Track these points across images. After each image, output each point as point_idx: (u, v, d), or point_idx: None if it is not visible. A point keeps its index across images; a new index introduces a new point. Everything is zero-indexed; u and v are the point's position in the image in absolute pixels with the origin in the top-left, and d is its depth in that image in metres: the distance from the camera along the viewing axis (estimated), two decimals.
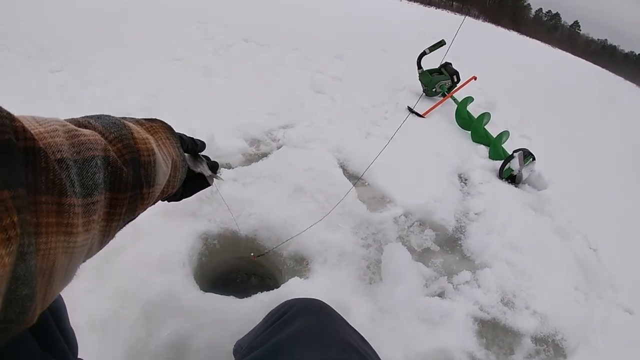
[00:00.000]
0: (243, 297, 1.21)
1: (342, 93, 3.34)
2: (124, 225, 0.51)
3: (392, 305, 1.41)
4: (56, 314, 0.59)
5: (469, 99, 3.30)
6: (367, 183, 2.17)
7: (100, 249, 0.47)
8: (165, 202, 0.72)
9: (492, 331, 1.54)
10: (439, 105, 3.39)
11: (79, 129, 0.41)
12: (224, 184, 1.75)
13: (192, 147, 0.74)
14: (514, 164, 2.54)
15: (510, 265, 1.82)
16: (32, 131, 0.32)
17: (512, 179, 2.59)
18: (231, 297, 1.19)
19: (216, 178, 0.82)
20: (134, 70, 2.84)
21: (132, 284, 1.13)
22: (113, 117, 0.50)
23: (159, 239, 1.32)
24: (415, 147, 2.68)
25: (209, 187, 0.82)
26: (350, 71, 4.00)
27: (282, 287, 1.26)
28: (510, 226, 2.04)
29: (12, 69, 2.53)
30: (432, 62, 3.64)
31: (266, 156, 2.19)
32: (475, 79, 3.48)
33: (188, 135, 0.74)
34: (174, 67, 3.13)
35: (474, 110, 3.42)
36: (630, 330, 1.72)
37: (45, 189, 0.31)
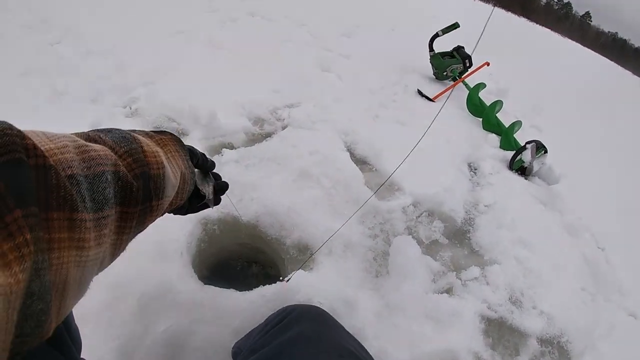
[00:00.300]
0: (244, 290, 1.13)
1: (350, 72, 3.20)
2: (134, 237, 0.51)
3: (399, 301, 1.34)
4: None
5: (480, 85, 3.17)
6: (374, 169, 2.08)
7: (112, 261, 0.48)
8: (171, 214, 0.73)
9: (499, 331, 1.48)
10: (450, 90, 3.26)
11: (89, 144, 0.41)
12: (227, 164, 1.66)
13: (203, 163, 0.74)
14: (526, 156, 2.45)
15: (519, 262, 1.76)
16: (42, 147, 0.33)
17: (522, 170, 2.51)
18: (231, 290, 1.11)
19: (213, 204, 0.79)
20: (135, 43, 2.68)
21: (127, 274, 1.05)
22: (123, 130, 0.51)
23: (156, 224, 1.23)
24: (426, 132, 2.57)
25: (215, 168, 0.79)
26: (358, 50, 3.85)
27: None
28: (520, 221, 1.96)
29: (11, 40, 2.38)
30: (444, 45, 3.51)
31: (270, 137, 2.09)
32: (488, 64, 3.34)
33: (200, 151, 0.74)
34: (176, 40, 2.97)
35: (485, 97, 3.30)
36: (636, 335, 1.67)
37: (56, 206, 0.32)
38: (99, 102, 1.98)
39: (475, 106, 3.11)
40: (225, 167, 1.66)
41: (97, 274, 0.43)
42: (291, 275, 1.14)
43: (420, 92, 3.15)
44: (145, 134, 0.57)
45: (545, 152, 2.52)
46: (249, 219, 1.45)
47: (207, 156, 0.76)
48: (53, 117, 1.79)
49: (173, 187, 0.56)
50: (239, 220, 1.41)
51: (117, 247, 0.47)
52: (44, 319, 0.30)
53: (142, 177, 0.47)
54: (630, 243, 2.30)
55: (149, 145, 0.52)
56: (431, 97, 3.13)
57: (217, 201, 0.80)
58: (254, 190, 1.56)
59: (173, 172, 0.56)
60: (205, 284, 1.13)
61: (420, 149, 2.32)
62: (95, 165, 0.39)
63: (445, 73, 3.50)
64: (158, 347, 0.98)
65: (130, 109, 1.98)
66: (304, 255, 1.44)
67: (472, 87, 3.18)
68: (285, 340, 0.70)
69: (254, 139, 2.04)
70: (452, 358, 1.28)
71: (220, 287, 1.11)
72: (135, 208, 0.46)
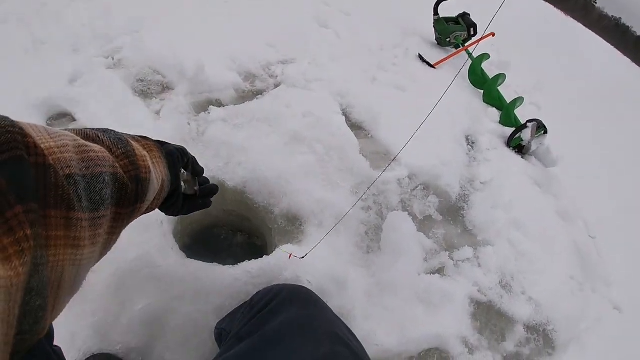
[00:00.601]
0: (228, 263, 1.04)
1: (349, 30, 2.99)
2: (118, 239, 0.51)
3: (391, 280, 1.28)
4: None
5: (484, 56, 3.02)
6: (370, 135, 1.96)
7: (99, 260, 0.48)
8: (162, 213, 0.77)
9: (487, 315, 1.45)
10: (451, 58, 3.11)
11: (89, 144, 0.42)
12: (214, 124, 1.52)
13: (193, 166, 0.76)
14: (525, 134, 2.36)
15: (512, 245, 1.71)
16: (42, 145, 0.34)
17: (520, 148, 2.43)
18: (215, 264, 1.02)
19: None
20: None
21: None
22: (117, 132, 0.52)
23: None
24: (425, 100, 2.44)
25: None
26: (359, 6, 3.59)
27: (272, 255, 1.09)
28: (515, 202, 1.90)
29: None
30: (450, 10, 3.31)
31: (261, 94, 1.94)
32: (493, 35, 3.17)
33: (192, 155, 0.76)
34: None
35: (487, 69, 3.16)
36: (618, 329, 1.67)
37: (54, 204, 0.33)
38: (80, 51, 1.78)
39: (477, 77, 2.97)
40: (212, 126, 1.52)
41: (88, 271, 0.44)
42: (309, 253, 1.04)
43: (421, 57, 2.99)
44: (133, 137, 0.57)
45: (545, 132, 2.44)
46: (236, 185, 1.34)
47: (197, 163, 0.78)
48: (31, 68, 1.62)
49: (154, 192, 0.56)
50: (225, 185, 1.30)
51: (106, 247, 0.47)
52: (41, 315, 0.31)
53: (136, 180, 0.48)
54: (621, 234, 2.28)
55: (139, 149, 0.53)
56: (432, 63, 2.97)
57: (207, 204, 0.81)
58: (242, 153, 1.44)
59: (156, 177, 0.56)
60: (187, 255, 1.03)
61: (419, 119, 2.22)
62: (93, 166, 0.40)
63: (448, 39, 3.32)
64: (135, 325, 0.89)
65: (113, 59, 1.79)
66: (293, 226, 1.35)
67: (475, 57, 3.03)
68: (274, 326, 0.67)
69: (244, 97, 1.89)
70: (441, 343, 1.24)
71: (203, 261, 1.01)
72: (127, 209, 0.48)
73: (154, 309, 0.90)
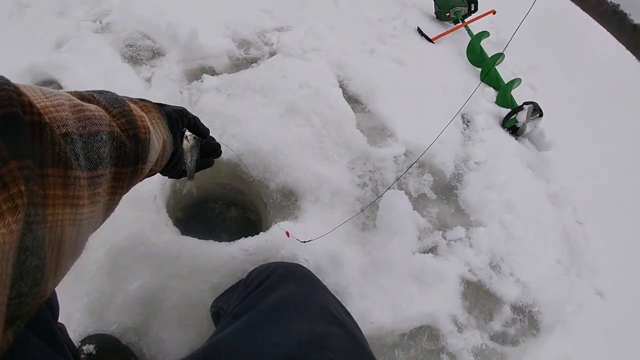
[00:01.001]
0: (223, 240, 1.01)
1: None
2: (120, 199, 0.50)
3: (386, 259, 1.28)
4: None
5: (484, 34, 2.96)
6: (367, 109, 1.92)
7: (102, 222, 0.48)
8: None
9: (476, 294, 1.47)
10: (450, 33, 3.04)
11: (85, 103, 0.41)
12: (207, 92, 1.45)
13: (195, 125, 0.74)
14: (521, 116, 2.35)
15: (503, 226, 1.72)
16: (38, 105, 0.33)
17: (514, 130, 2.42)
18: (210, 241, 0.99)
19: (191, 179, 0.77)
20: None
21: None
22: (113, 93, 0.51)
23: None
24: (423, 75, 2.40)
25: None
26: None
27: (269, 232, 1.06)
28: (508, 184, 1.90)
29: None
30: None
31: (256, 63, 1.87)
32: (494, 12, 3.11)
33: (193, 114, 0.74)
34: None
35: (484, 46, 3.10)
36: (601, 314, 1.72)
37: (51, 162, 0.32)
38: (67, 15, 1.67)
39: (476, 55, 2.92)
40: (205, 95, 1.46)
41: (91, 233, 0.44)
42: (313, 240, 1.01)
43: (420, 31, 2.91)
44: (130, 99, 0.56)
45: (541, 115, 2.43)
46: (230, 157, 1.29)
47: (201, 121, 0.76)
48: (14, 33, 1.52)
49: (156, 153, 0.55)
50: (219, 158, 1.25)
51: (109, 208, 0.47)
52: (40, 276, 0.30)
53: (134, 139, 0.47)
54: (608, 222, 2.31)
55: (136, 109, 0.51)
56: (431, 38, 2.91)
57: (209, 163, 0.79)
58: (236, 124, 1.39)
59: (157, 138, 0.55)
60: (181, 230, 1.00)
61: (417, 95, 2.19)
62: (90, 125, 0.39)
63: (447, 14, 3.24)
64: (131, 304, 0.87)
65: (101, 23, 1.68)
66: (288, 201, 1.33)
67: (475, 34, 2.96)
68: (270, 301, 0.67)
69: (238, 65, 1.81)
70: (432, 321, 1.26)
71: (199, 238, 0.98)
72: (127, 168, 0.47)
73: (150, 288, 0.88)
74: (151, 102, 0.62)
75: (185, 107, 1.27)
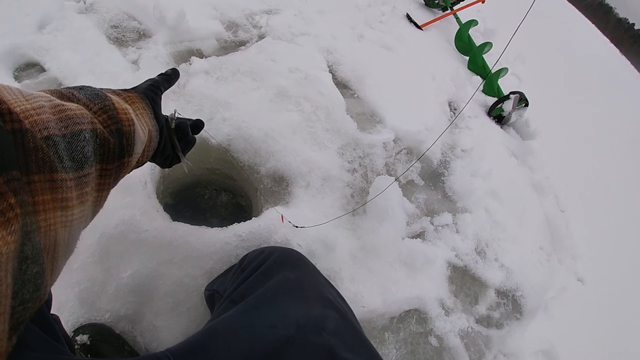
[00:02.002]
0: (215, 225, 1.00)
1: None
2: (108, 195, 0.50)
3: (376, 244, 1.29)
4: None
5: (472, 22, 2.97)
6: (356, 95, 1.92)
7: (92, 219, 0.48)
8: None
9: (462, 278, 1.51)
10: (439, 20, 3.04)
11: (65, 103, 0.41)
12: (197, 76, 1.42)
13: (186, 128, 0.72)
14: (507, 106, 2.38)
15: (488, 213, 1.76)
16: (18, 109, 0.33)
17: (500, 119, 2.46)
18: (203, 227, 0.97)
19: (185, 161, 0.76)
20: None
21: None
22: (94, 87, 0.50)
23: None
24: (411, 62, 2.40)
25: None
26: None
27: (262, 218, 1.05)
28: (494, 172, 1.94)
29: None
30: None
31: (244, 45, 1.83)
32: (483, 1, 3.12)
33: (185, 118, 0.74)
34: None
35: (472, 35, 3.11)
36: (581, 299, 1.78)
37: (36, 168, 0.32)
38: None
39: (464, 43, 2.94)
40: (194, 78, 1.43)
41: (81, 231, 0.43)
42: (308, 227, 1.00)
43: (408, 17, 2.91)
44: (113, 91, 0.55)
45: (526, 105, 2.47)
46: (220, 142, 1.27)
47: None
48: None
49: (142, 144, 0.54)
50: (209, 142, 1.23)
51: (98, 205, 0.47)
52: (40, 281, 0.31)
53: (117, 134, 0.47)
54: (588, 210, 2.39)
55: (119, 102, 0.51)
56: (419, 24, 2.90)
57: (194, 141, 0.76)
58: (226, 108, 1.37)
59: (142, 129, 0.55)
60: (171, 216, 0.98)
61: (405, 81, 2.19)
62: (72, 125, 0.39)
63: (436, 1, 3.24)
64: (123, 293, 0.85)
65: (85, 3, 1.61)
66: (279, 187, 1.32)
67: (463, 22, 2.97)
68: (268, 287, 0.68)
69: (227, 47, 1.78)
70: (420, 304, 1.28)
71: (189, 223, 0.97)
72: (112, 164, 0.46)
73: (142, 275, 0.87)
74: (137, 92, 0.61)
75: (174, 91, 1.24)
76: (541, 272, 1.73)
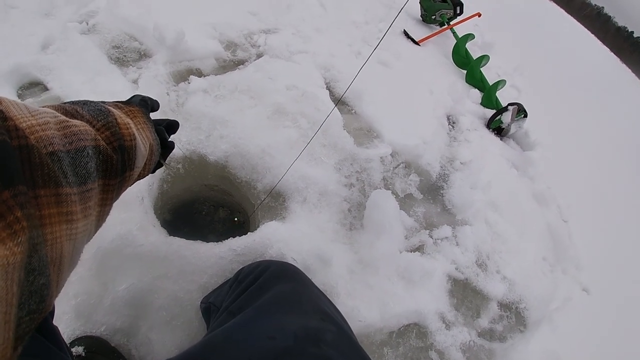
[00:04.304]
0: (211, 240, 1.01)
1: (334, 0, 2.91)
2: (111, 209, 0.51)
3: (373, 258, 1.29)
4: None
5: (469, 36, 3.01)
6: (353, 111, 1.95)
7: (95, 233, 0.48)
8: None
9: (463, 292, 1.49)
10: (436, 36, 3.08)
11: (69, 119, 0.42)
12: (195, 94, 1.45)
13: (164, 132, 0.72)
14: (505, 117, 2.40)
15: (489, 225, 1.75)
16: (24, 124, 0.33)
17: (499, 131, 2.47)
18: (198, 242, 0.99)
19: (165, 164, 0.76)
20: None
21: None
22: (97, 102, 0.51)
23: None
24: (409, 77, 2.43)
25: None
26: None
27: (257, 233, 1.06)
28: (493, 183, 1.94)
29: None
30: None
31: (243, 64, 1.87)
32: (479, 15, 3.17)
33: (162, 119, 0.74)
34: None
35: (470, 49, 3.15)
36: (587, 309, 1.75)
37: (42, 183, 0.33)
38: (53, 16, 1.64)
39: (461, 57, 2.97)
40: (192, 97, 1.46)
41: (85, 244, 0.44)
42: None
43: (406, 33, 2.96)
44: (115, 105, 0.56)
45: (525, 116, 2.48)
46: (217, 159, 1.29)
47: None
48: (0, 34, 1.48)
49: (143, 158, 0.55)
50: (207, 159, 1.25)
51: (101, 219, 0.48)
52: (46, 293, 0.31)
53: (120, 150, 0.47)
54: (591, 219, 2.37)
55: (121, 117, 0.51)
56: (416, 40, 2.94)
57: (172, 146, 0.74)
58: (223, 126, 1.39)
59: (143, 143, 0.55)
60: (168, 232, 1.00)
61: (403, 96, 2.21)
62: (76, 141, 0.40)
63: (433, 17, 3.29)
64: (119, 306, 0.86)
65: (87, 24, 1.66)
66: (276, 202, 1.33)
67: (460, 36, 3.01)
68: (265, 300, 0.68)
69: (225, 66, 1.81)
70: (420, 318, 1.27)
71: (186, 238, 0.98)
72: (115, 180, 0.47)
73: (138, 289, 0.88)
74: (138, 105, 0.62)
75: (172, 109, 1.27)
76: (544, 283, 1.71)
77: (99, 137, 0.45)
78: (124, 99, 0.64)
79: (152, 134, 0.62)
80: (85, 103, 0.50)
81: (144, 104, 0.65)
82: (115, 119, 0.50)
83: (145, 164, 0.58)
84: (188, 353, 0.59)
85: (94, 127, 0.46)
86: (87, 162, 0.41)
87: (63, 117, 0.41)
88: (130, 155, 0.50)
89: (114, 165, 0.46)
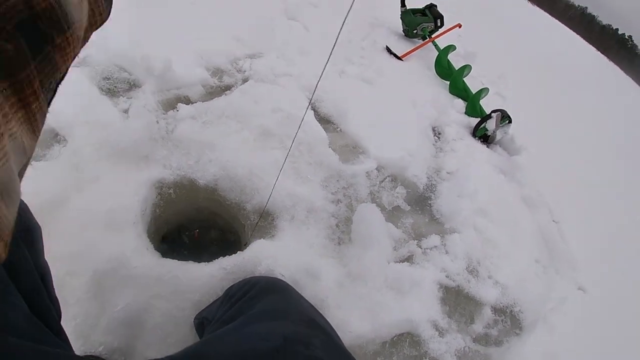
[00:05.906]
0: (203, 260, 1.06)
1: (317, 22, 2.99)
2: (55, 92, 0.39)
3: (362, 270, 1.32)
4: (45, 279, 0.62)
5: (450, 47, 3.10)
6: (339, 129, 2.00)
7: (37, 140, 0.36)
8: None
9: (455, 299, 1.52)
10: (419, 49, 3.17)
11: None
12: (184, 121, 1.51)
13: None
14: (490, 124, 2.45)
15: (478, 232, 1.79)
16: None
17: (485, 138, 2.53)
18: (190, 262, 1.03)
19: None
20: None
21: (77, 249, 0.95)
22: None
23: (107, 189, 1.11)
24: (392, 93, 2.50)
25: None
26: None
27: (247, 251, 1.11)
28: (481, 190, 1.98)
29: None
30: (417, 2, 3.37)
31: (230, 90, 1.93)
32: (460, 26, 3.27)
33: None
34: None
35: (453, 59, 3.24)
36: (583, 308, 1.77)
37: None
38: None
39: (443, 69, 3.05)
40: (181, 124, 1.51)
41: (30, 163, 0.36)
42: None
43: (388, 49, 3.04)
44: None
45: (510, 122, 2.54)
46: (207, 182, 1.34)
47: None
48: None
49: (79, 3, 0.38)
50: (197, 183, 1.30)
51: (34, 120, 0.34)
52: None
53: (21, 30, 0.30)
54: (583, 218, 2.41)
55: None
56: (399, 55, 3.03)
57: None
58: (212, 150, 1.44)
59: None
60: (161, 254, 1.04)
61: (386, 111, 2.28)
62: None
63: (415, 31, 3.39)
64: (116, 326, 0.91)
65: (78, 57, 1.72)
66: (265, 221, 1.38)
67: (442, 48, 3.10)
68: (256, 309, 0.71)
69: (212, 92, 1.88)
70: (412, 327, 1.30)
71: (178, 260, 1.03)
72: (26, 71, 0.32)
73: (133, 309, 0.92)
74: None
75: (162, 137, 1.31)
76: (539, 285, 1.74)
77: None
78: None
79: None
80: None
81: None
82: None
83: (91, 9, 0.41)
84: (185, 351, 0.62)
85: None
86: None
87: None
88: (53, 18, 0.34)
89: (13, 59, 0.30)
